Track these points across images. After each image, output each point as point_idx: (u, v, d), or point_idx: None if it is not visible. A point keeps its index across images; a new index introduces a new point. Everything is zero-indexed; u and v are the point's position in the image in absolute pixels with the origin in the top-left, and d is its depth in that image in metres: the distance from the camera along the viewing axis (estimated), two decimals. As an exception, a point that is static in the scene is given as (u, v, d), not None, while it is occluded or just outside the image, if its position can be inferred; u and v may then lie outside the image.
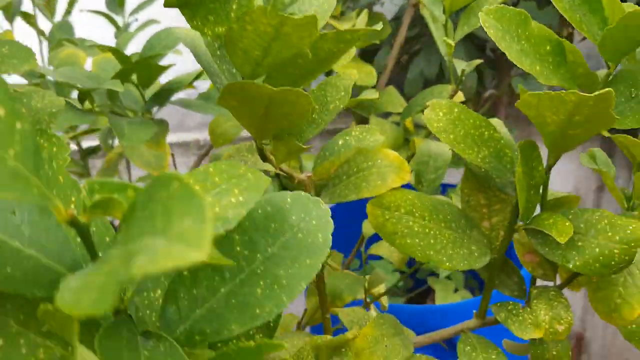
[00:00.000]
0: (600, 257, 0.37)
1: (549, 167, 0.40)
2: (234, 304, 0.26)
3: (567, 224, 0.37)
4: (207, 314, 0.26)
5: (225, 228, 0.23)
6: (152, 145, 0.56)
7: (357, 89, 0.67)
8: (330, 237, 0.27)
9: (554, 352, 0.43)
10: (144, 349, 0.21)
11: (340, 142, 0.44)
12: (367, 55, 1.06)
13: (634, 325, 0.41)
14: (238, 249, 0.27)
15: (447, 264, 0.39)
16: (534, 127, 0.36)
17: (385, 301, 0.71)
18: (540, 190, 0.40)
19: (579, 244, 0.38)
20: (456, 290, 1.07)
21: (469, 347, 0.43)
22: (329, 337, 0.40)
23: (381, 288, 0.61)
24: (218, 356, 0.22)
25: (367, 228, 0.59)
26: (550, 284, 0.45)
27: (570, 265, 0.38)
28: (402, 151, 0.63)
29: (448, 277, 1.08)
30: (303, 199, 0.28)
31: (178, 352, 0.22)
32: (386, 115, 0.68)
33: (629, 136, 0.36)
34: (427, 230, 0.39)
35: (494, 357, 0.43)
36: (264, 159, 0.37)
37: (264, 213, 0.27)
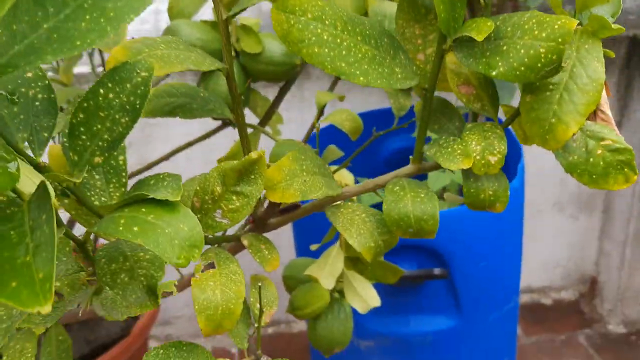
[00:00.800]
0: (526, 59, 0.33)
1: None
2: (55, 39, 0.23)
3: (488, 23, 0.33)
4: (25, 49, 0.23)
5: None
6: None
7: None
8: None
9: (490, 192, 0.39)
10: None
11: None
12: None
13: (575, 157, 0.37)
14: (66, -18, 0.24)
15: (362, 78, 0.35)
16: None
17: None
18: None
19: (504, 48, 0.33)
20: (449, 210, 1.03)
21: (397, 187, 0.40)
22: (235, 161, 0.37)
23: (331, 168, 0.57)
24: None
25: (320, 97, 0.55)
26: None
27: (495, 73, 0.34)
28: (363, 22, 0.59)
29: (442, 198, 1.05)
30: None
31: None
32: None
33: None
34: (338, 40, 0.35)
35: (422, 195, 0.39)
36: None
37: (96, -56, 0.24)
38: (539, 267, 1.59)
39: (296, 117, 1.24)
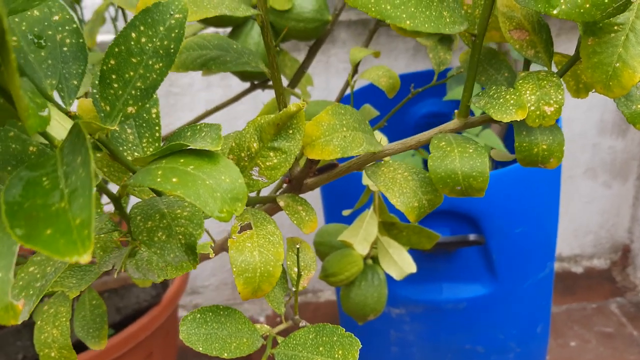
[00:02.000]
0: (591, -5, 0.30)
1: None
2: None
3: (550, -44, 0.30)
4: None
5: None
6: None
7: None
8: None
9: (544, 146, 0.37)
10: None
11: None
12: None
13: (639, 106, 0.34)
14: None
15: (408, 22, 0.33)
16: None
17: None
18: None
19: (567, -16, 0.31)
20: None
21: (443, 143, 0.38)
22: (271, 115, 0.35)
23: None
24: None
25: (355, 53, 0.53)
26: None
27: (556, 11, 0.31)
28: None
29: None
30: None
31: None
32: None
33: None
34: (383, -19, 0.33)
35: (471, 150, 0.37)
36: None
37: None
38: (570, 234, 1.55)
39: (322, 83, 1.22)
